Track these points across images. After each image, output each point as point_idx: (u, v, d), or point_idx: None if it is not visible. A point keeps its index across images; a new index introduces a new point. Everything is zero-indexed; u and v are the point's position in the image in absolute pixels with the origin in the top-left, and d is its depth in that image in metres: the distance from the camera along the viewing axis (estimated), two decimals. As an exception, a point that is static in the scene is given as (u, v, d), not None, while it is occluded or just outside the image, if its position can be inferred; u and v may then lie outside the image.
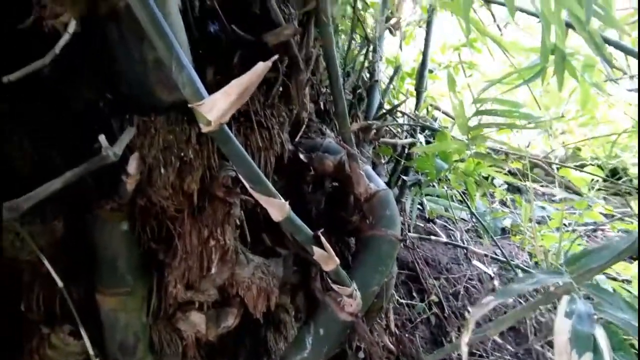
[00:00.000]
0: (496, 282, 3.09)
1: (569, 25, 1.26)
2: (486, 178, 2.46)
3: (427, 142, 2.75)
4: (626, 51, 1.29)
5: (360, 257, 1.54)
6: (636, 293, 1.80)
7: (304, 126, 1.74)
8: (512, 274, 3.12)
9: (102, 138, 0.84)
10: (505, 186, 3.19)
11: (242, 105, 0.88)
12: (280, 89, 1.41)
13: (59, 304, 1.12)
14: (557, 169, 2.79)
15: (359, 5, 1.89)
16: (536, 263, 2.87)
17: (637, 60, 1.27)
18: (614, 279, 2.28)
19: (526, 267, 2.97)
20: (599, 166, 2.76)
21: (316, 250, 1.12)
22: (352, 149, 1.55)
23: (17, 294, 1.07)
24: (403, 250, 2.95)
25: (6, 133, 0.96)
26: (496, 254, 3.09)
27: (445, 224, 3.51)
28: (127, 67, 0.98)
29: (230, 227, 1.30)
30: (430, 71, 2.61)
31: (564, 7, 1.07)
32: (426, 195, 2.69)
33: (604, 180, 2.49)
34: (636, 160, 2.74)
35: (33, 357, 1.15)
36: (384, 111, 2.08)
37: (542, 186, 3.85)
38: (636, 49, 1.27)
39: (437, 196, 2.74)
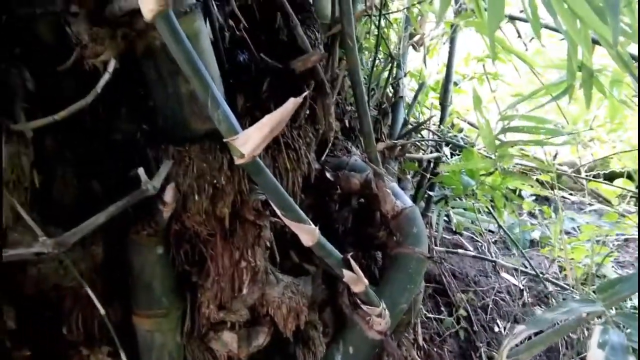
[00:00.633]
0: (526, 295, 3.04)
1: (595, 42, 1.26)
2: (513, 191, 2.44)
3: (452, 154, 2.74)
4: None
5: (388, 275, 1.55)
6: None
7: (330, 144, 1.77)
8: (541, 286, 3.08)
9: (141, 172, 0.88)
10: (533, 197, 3.15)
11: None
12: (307, 111, 1.44)
13: (98, 326, 1.16)
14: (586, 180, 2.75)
15: (382, 22, 1.91)
16: (566, 276, 2.82)
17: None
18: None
19: (556, 279, 2.92)
20: (629, 176, 2.71)
21: (346, 272, 1.14)
22: (379, 168, 1.56)
23: (59, 317, 1.11)
24: (430, 263, 2.93)
25: (50, 166, 1.01)
26: (525, 266, 3.05)
27: (473, 235, 3.48)
28: (162, 100, 1.02)
29: (261, 248, 1.32)
30: (455, 84, 2.61)
31: (590, 28, 1.07)
32: (452, 207, 2.67)
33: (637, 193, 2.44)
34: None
35: (74, 377, 1.20)
36: (409, 128, 2.09)
37: (570, 194, 3.79)
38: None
39: (464, 209, 2.72)
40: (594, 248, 2.06)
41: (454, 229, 3.27)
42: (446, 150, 2.52)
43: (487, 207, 2.48)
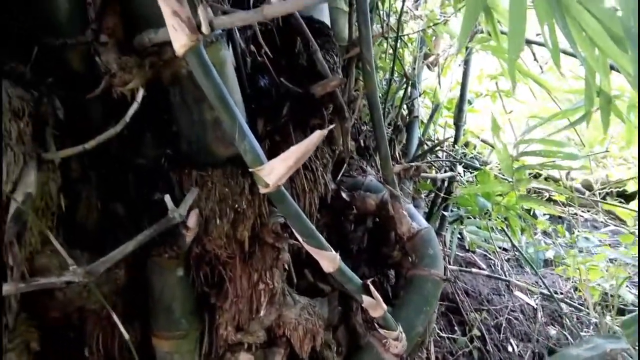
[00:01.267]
0: (539, 315, 3.01)
1: (612, 68, 1.26)
2: (528, 210, 2.43)
3: (465, 172, 2.74)
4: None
5: (404, 297, 1.55)
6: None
7: (346, 164, 1.78)
8: (555, 305, 3.05)
9: (167, 199, 0.89)
10: (547, 216, 3.13)
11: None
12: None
13: (118, 347, 1.17)
14: (602, 197, 2.73)
15: (398, 43, 1.93)
16: (580, 297, 2.79)
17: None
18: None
19: (570, 299, 2.89)
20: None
21: (365, 298, 1.14)
22: (395, 190, 1.57)
23: (81, 339, 1.12)
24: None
25: (75, 189, 1.03)
26: (539, 285, 3.02)
27: (486, 252, 3.45)
28: (187, 126, 1.04)
29: (279, 270, 1.33)
30: (469, 102, 2.61)
31: (609, 57, 1.07)
32: (466, 226, 2.67)
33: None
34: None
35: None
36: (425, 149, 2.09)
37: (584, 211, 3.75)
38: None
39: (478, 227, 2.71)
40: (609, 270, 2.04)
41: (467, 247, 3.25)
42: (460, 168, 2.52)
43: (501, 227, 2.47)
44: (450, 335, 2.73)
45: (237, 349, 1.40)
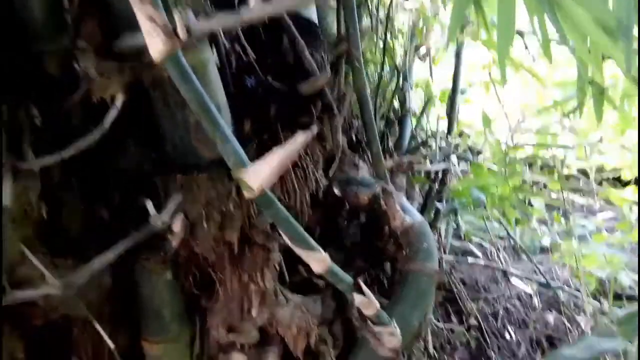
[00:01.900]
0: (536, 301, 3.02)
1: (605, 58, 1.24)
2: (523, 200, 2.42)
3: (459, 160, 2.72)
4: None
5: (399, 292, 1.54)
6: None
7: (337, 160, 1.76)
8: (552, 292, 3.05)
9: (149, 205, 0.87)
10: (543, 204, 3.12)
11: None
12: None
13: (108, 353, 1.16)
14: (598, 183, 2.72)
15: (387, 35, 1.90)
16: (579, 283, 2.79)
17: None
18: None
19: (568, 286, 2.89)
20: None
21: (357, 296, 1.13)
22: (388, 185, 1.55)
23: (68, 346, 1.11)
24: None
25: (57, 195, 1.00)
26: (536, 273, 3.02)
27: (482, 240, 3.44)
28: (170, 128, 1.02)
29: (270, 270, 1.32)
30: (462, 92, 2.59)
31: (600, 49, 1.05)
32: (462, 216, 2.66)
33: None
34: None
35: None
36: (418, 142, 2.08)
37: (580, 196, 3.75)
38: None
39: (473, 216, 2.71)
40: (606, 257, 2.04)
41: (462, 236, 3.25)
42: (454, 158, 2.50)
43: (497, 218, 2.47)
44: (447, 324, 2.73)
45: (229, 349, 1.39)
